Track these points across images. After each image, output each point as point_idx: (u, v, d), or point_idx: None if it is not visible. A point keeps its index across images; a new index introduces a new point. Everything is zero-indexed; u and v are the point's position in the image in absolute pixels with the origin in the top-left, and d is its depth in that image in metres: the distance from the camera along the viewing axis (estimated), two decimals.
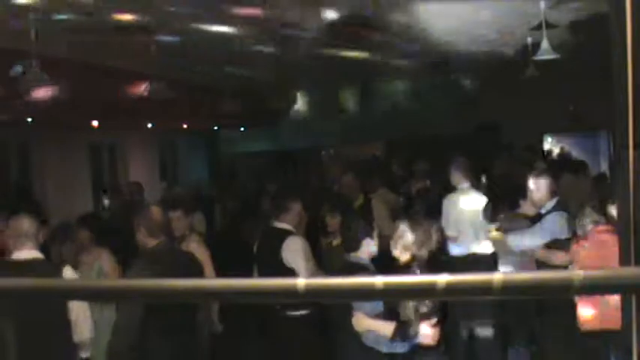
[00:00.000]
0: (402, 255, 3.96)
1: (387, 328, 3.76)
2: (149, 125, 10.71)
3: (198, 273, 4.31)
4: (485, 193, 6.68)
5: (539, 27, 5.88)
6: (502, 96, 11.96)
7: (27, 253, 3.93)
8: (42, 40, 4.95)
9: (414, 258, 3.90)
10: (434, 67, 9.99)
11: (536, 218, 5.42)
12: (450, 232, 6.34)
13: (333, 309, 4.33)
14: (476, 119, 12.57)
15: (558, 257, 5.04)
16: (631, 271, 1.10)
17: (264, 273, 5.27)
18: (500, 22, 6.79)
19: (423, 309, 3.71)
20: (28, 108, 7.14)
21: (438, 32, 7.22)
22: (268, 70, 9.26)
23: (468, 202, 6.44)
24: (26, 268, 3.78)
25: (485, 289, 1.03)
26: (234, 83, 9.44)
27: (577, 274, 0.99)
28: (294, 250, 5.16)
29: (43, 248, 4.31)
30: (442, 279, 1.02)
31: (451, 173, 6.70)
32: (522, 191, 5.65)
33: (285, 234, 5.26)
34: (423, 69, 10.27)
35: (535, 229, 5.28)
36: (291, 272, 5.02)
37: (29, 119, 8.04)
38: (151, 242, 4.12)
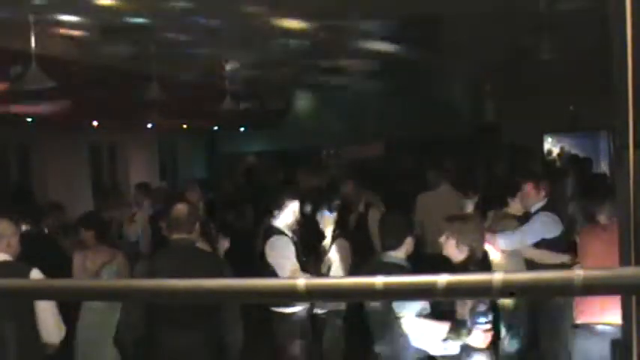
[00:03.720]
0: (459, 255, 3.89)
1: (440, 328, 3.69)
2: (149, 125, 10.71)
3: (218, 271, 4.25)
4: (473, 194, 6.68)
5: (539, 27, 5.88)
6: (502, 96, 11.97)
7: None
8: (42, 40, 4.95)
9: (471, 257, 3.86)
10: (433, 66, 10.00)
11: (524, 218, 5.42)
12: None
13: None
14: (476, 120, 12.58)
15: (548, 257, 5.06)
16: (631, 271, 1.10)
17: (258, 272, 5.27)
18: (499, 21, 6.78)
19: (481, 307, 3.65)
20: (28, 108, 7.14)
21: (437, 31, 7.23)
22: (269, 71, 9.26)
23: (443, 202, 6.36)
24: None
25: (485, 288, 1.02)
26: (235, 83, 9.44)
27: (577, 274, 0.99)
28: (276, 249, 5.15)
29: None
30: (442, 279, 1.02)
31: (432, 173, 6.76)
32: (511, 190, 5.64)
33: (272, 232, 5.27)
34: (421, 68, 10.27)
35: (524, 230, 5.28)
36: (273, 272, 5.04)
37: (29, 119, 8.05)
38: (171, 237, 4.24)
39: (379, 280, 1.04)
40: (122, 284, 1.42)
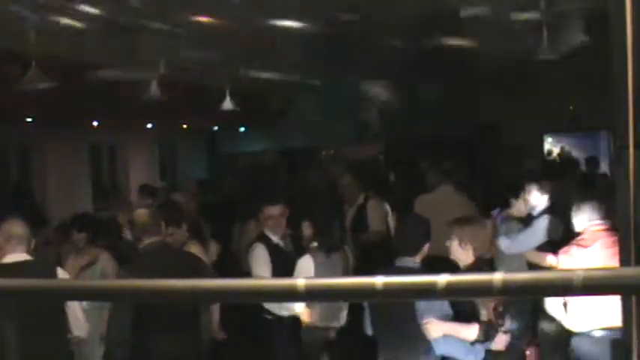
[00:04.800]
0: (466, 258, 3.85)
1: (468, 330, 3.59)
2: (149, 125, 10.71)
3: (196, 270, 4.32)
4: (474, 195, 6.66)
5: (539, 27, 5.87)
6: (502, 96, 11.95)
7: (17, 256, 3.92)
8: (42, 40, 4.95)
9: (479, 260, 3.82)
10: (434, 66, 9.98)
11: (528, 220, 5.41)
12: None
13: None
14: (476, 120, 12.56)
15: (549, 260, 5.04)
16: (631, 271, 1.10)
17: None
18: (500, 21, 6.79)
19: (501, 308, 3.59)
20: (28, 108, 7.15)
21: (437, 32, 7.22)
22: (269, 70, 9.26)
23: (442, 204, 6.26)
24: (16, 270, 3.77)
25: (486, 288, 1.02)
26: (235, 83, 9.44)
27: (577, 274, 0.99)
28: (252, 257, 5.15)
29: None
30: (442, 279, 1.02)
31: (432, 174, 6.72)
32: (514, 191, 5.63)
33: (255, 239, 5.30)
34: (422, 69, 10.26)
35: (526, 233, 5.26)
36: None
37: (29, 119, 8.05)
38: (141, 244, 4.22)
39: (379, 280, 1.04)
40: (121, 284, 1.42)
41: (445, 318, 3.66)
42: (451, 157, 8.25)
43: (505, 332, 3.64)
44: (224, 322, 5.31)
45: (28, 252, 4.01)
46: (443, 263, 3.93)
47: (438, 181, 6.78)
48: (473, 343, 3.61)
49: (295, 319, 5.02)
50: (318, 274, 4.72)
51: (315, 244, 5.00)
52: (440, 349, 3.70)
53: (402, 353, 3.82)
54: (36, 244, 4.26)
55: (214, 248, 6.31)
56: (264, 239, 5.20)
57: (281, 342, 5.14)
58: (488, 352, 3.67)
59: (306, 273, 4.74)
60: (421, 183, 8.08)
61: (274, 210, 5.23)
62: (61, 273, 4.15)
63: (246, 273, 5.45)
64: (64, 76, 5.79)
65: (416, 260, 3.95)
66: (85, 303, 4.97)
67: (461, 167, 7.95)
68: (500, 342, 3.64)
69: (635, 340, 1.23)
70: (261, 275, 4.99)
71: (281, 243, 5.26)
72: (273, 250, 5.15)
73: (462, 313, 3.67)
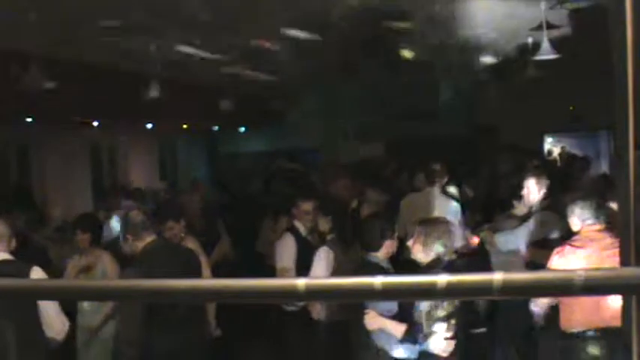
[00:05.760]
0: (424, 258, 3.89)
1: (397, 328, 3.74)
2: (149, 125, 10.71)
3: (196, 266, 4.44)
4: (473, 197, 6.67)
5: (539, 27, 5.87)
6: (502, 96, 11.95)
7: None
8: (42, 40, 4.95)
9: (437, 260, 3.85)
10: (434, 67, 9.99)
11: (526, 218, 5.41)
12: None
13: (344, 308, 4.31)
14: (475, 120, 12.56)
15: (546, 257, 5.02)
16: (631, 271, 1.10)
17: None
18: (501, 22, 6.79)
19: (439, 312, 3.65)
20: (28, 108, 7.15)
21: (438, 33, 7.22)
22: (269, 70, 9.26)
23: (426, 205, 6.29)
24: None
25: (486, 289, 1.02)
26: (235, 83, 9.43)
27: (577, 274, 0.99)
28: (280, 246, 5.42)
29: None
30: (442, 279, 1.02)
31: (421, 175, 6.77)
32: (515, 192, 5.65)
33: (285, 230, 5.63)
34: (422, 69, 10.25)
35: (522, 229, 5.26)
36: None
37: (29, 119, 8.05)
38: (141, 244, 4.26)
39: (378, 280, 1.04)
40: (122, 284, 1.42)
41: (388, 313, 3.79)
42: (445, 158, 8.22)
43: (448, 338, 3.69)
44: (239, 313, 5.42)
45: (9, 251, 3.99)
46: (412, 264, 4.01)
47: (425, 182, 6.83)
48: (402, 342, 3.74)
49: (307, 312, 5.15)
50: (338, 264, 4.96)
51: (331, 236, 5.21)
52: (377, 340, 3.87)
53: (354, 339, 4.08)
54: (36, 244, 4.27)
55: (226, 244, 6.44)
56: (293, 230, 5.47)
57: (295, 333, 5.26)
58: (430, 354, 3.73)
59: (324, 261, 4.98)
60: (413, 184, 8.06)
61: (308, 205, 5.48)
62: (38, 272, 3.98)
63: (271, 268, 5.70)
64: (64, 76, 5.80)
65: (379, 256, 4.13)
66: (85, 304, 5.00)
67: (452, 168, 7.91)
68: (438, 346, 3.70)
69: (635, 340, 1.23)
70: (286, 264, 5.25)
71: (309, 237, 5.50)
72: (300, 241, 5.40)
73: (401, 312, 3.80)
